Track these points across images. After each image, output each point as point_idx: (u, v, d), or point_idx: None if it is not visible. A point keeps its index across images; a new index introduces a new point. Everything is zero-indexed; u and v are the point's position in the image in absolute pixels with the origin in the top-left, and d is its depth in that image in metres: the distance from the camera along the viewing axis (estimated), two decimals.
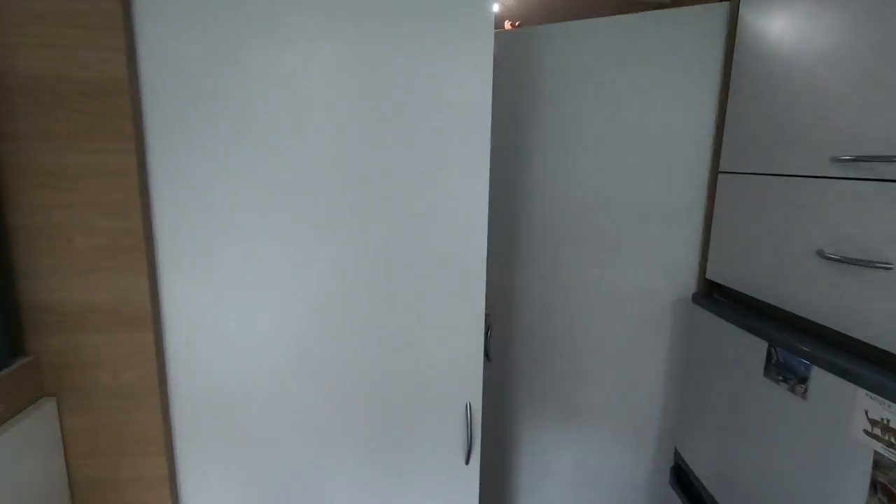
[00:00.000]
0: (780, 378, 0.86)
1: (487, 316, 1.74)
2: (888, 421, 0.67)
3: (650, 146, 1.35)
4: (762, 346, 0.91)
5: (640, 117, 1.39)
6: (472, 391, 1.01)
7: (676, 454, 1.21)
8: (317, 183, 0.87)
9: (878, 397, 0.69)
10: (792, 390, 0.83)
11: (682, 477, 1.22)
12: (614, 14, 1.35)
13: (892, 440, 0.67)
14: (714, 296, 1.16)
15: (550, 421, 1.83)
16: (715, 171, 1.14)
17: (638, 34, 1.33)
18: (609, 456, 1.59)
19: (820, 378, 0.78)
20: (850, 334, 0.78)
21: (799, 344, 0.83)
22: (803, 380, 0.81)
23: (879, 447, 0.69)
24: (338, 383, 0.95)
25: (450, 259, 0.94)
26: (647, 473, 1.43)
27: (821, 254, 0.85)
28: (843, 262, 0.80)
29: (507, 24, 1.80)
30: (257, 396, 0.92)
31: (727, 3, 1.11)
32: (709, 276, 1.16)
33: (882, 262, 0.73)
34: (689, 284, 1.23)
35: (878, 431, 0.69)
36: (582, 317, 1.68)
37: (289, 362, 0.92)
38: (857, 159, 0.78)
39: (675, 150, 1.26)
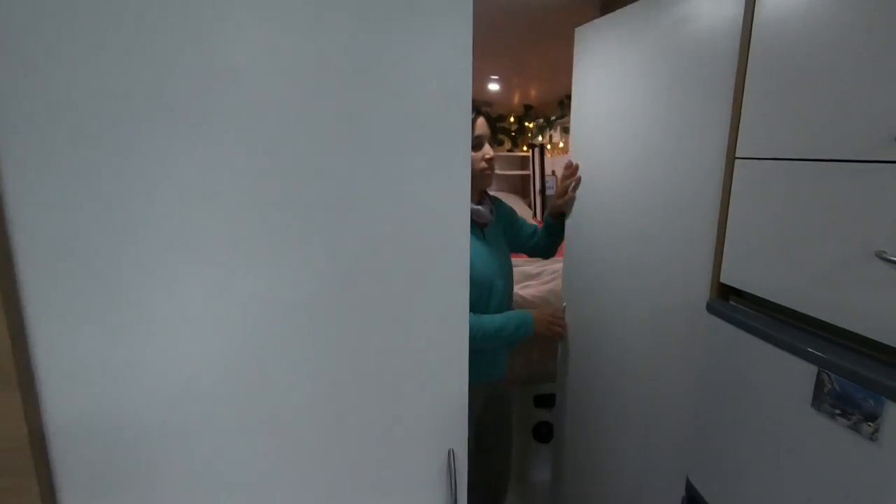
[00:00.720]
0: (838, 412, 0.69)
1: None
2: None
3: (654, 130, 1.18)
4: (809, 370, 0.75)
5: (640, 97, 1.22)
6: (456, 435, 0.82)
7: (689, 486, 1.05)
8: (247, 179, 0.65)
9: None
10: (855, 428, 0.67)
11: None
12: None
13: None
14: (731, 303, 1.00)
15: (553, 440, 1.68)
16: (731, 157, 0.97)
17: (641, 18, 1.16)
18: (611, 476, 1.44)
19: None
20: None
21: (864, 370, 0.67)
22: (872, 417, 0.65)
23: None
24: (283, 436, 0.74)
25: (424, 270, 0.74)
26: (654, 502, 1.27)
27: (882, 256, 0.68)
28: None
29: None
30: (177, 463, 0.70)
31: None
32: (724, 279, 1.00)
33: None
34: (700, 289, 1.06)
35: None
36: (582, 317, 1.52)
37: (217, 415, 0.70)
38: None
39: (683, 132, 1.09)
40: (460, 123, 0.69)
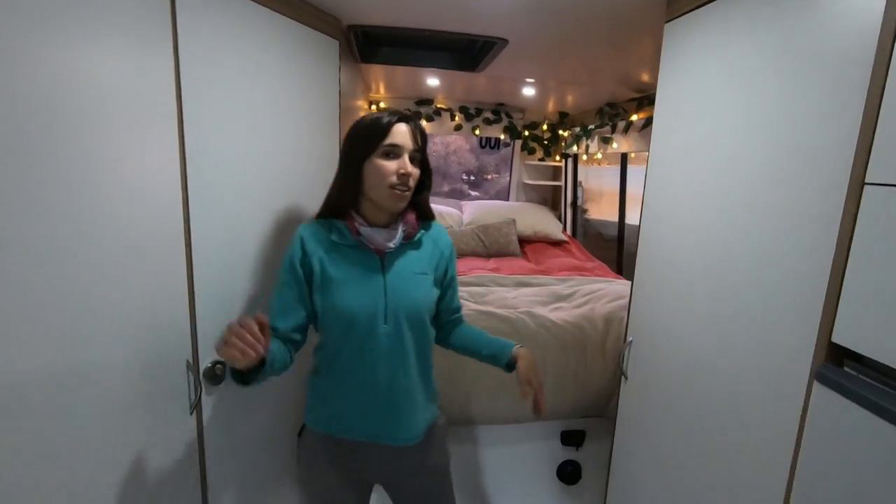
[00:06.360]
0: None
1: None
2: None
3: (751, 141, 0.96)
4: None
5: (738, 103, 1.00)
6: None
7: None
8: None
9: None
10: None
11: None
12: None
13: None
14: (847, 370, 0.77)
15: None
16: (859, 181, 0.75)
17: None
18: None
19: None
20: None
21: None
22: None
23: None
24: None
25: None
26: None
27: None
28: None
29: None
30: None
31: None
32: (837, 338, 0.77)
33: None
34: (802, 347, 0.83)
35: None
36: (652, 357, 1.30)
37: None
38: None
39: (789, 147, 0.87)
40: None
